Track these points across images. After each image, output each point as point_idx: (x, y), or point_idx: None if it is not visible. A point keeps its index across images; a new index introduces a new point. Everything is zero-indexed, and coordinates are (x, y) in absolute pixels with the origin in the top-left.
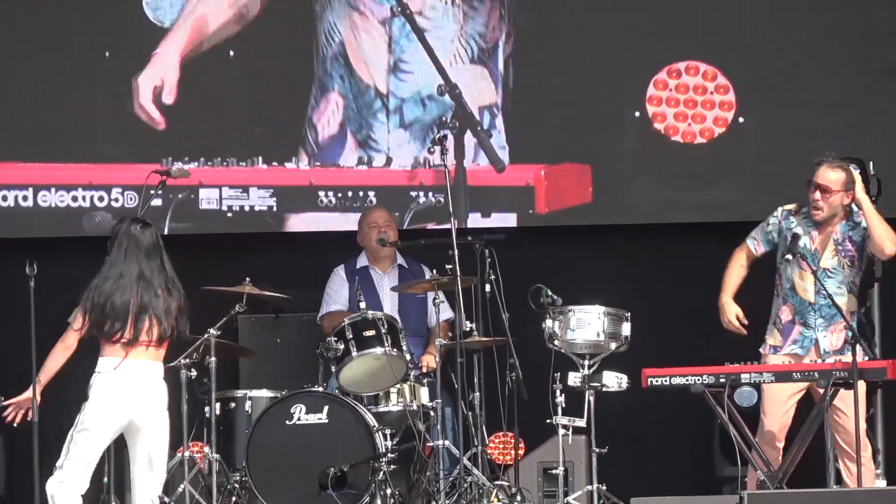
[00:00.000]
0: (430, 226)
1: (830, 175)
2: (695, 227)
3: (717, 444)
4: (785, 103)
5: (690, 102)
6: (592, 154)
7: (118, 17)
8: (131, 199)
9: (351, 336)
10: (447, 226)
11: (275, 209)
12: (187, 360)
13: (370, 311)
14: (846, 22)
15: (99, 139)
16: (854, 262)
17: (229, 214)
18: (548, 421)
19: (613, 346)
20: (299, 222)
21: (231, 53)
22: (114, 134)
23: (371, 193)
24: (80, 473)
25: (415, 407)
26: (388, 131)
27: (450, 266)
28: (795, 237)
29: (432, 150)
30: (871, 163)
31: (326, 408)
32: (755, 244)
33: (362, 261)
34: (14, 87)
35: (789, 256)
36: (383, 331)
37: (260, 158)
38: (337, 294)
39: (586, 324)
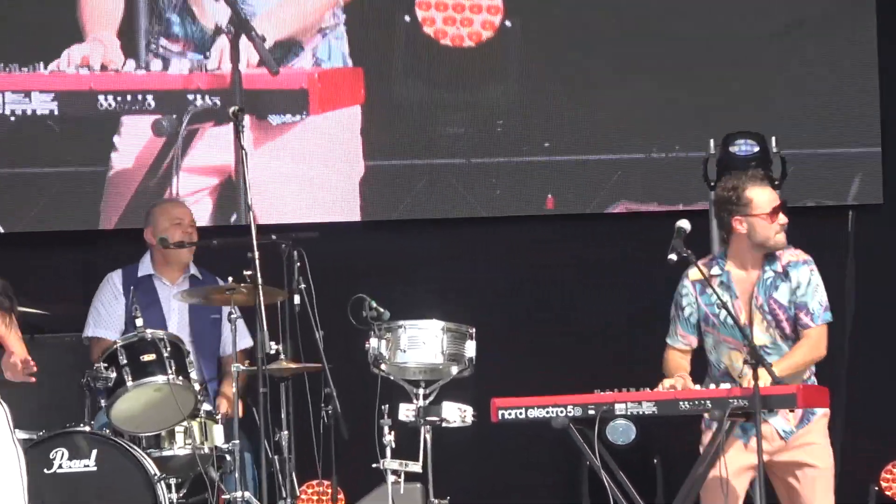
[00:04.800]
0: (209, 126)
1: (773, 194)
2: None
3: (585, 490)
4: (554, 4)
5: (458, 7)
6: (364, 57)
7: None
8: None
9: (125, 361)
10: (245, 224)
11: (56, 113)
12: None
13: (149, 330)
14: None
15: None
16: (787, 332)
17: (12, 119)
18: (374, 465)
19: (455, 370)
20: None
21: None
22: None
23: (150, 97)
24: None
25: (206, 450)
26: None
27: (249, 272)
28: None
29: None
30: (774, 138)
31: (95, 452)
32: (684, 342)
33: (145, 267)
34: None
35: (672, 256)
36: (165, 354)
37: (42, 64)
38: (108, 311)
39: (421, 342)
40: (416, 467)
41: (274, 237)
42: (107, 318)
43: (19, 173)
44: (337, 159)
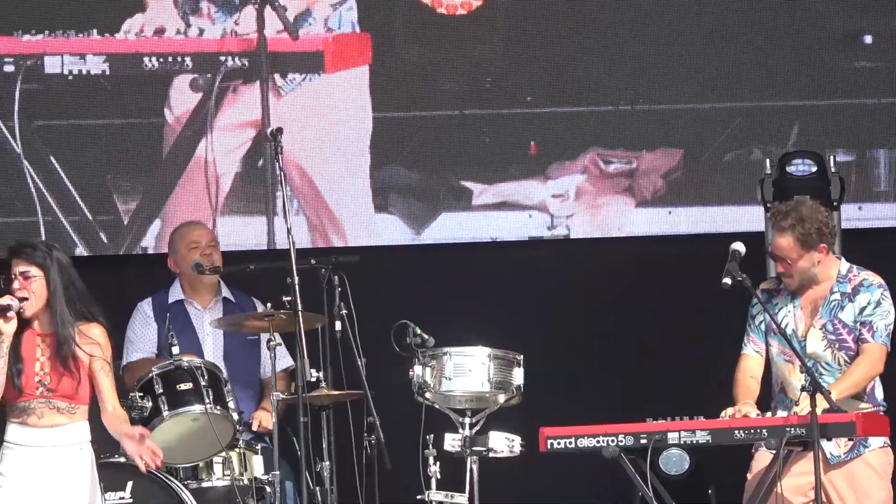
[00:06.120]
0: (238, 84)
1: (781, 242)
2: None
3: None
4: None
5: None
6: (368, 23)
7: None
8: None
9: (161, 390)
10: (284, 246)
11: (108, 72)
12: None
13: (186, 358)
14: None
15: None
16: (854, 353)
17: (70, 78)
18: (419, 497)
19: (502, 398)
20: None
21: None
22: None
23: (188, 59)
24: None
25: (245, 481)
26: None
27: (288, 298)
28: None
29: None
30: (832, 157)
31: (130, 484)
32: (755, 348)
33: (176, 293)
34: None
35: (727, 280)
36: (203, 383)
37: (95, 31)
38: (139, 337)
39: (467, 370)
40: (462, 499)
41: (313, 261)
42: (138, 343)
43: (76, 125)
44: (347, 113)
